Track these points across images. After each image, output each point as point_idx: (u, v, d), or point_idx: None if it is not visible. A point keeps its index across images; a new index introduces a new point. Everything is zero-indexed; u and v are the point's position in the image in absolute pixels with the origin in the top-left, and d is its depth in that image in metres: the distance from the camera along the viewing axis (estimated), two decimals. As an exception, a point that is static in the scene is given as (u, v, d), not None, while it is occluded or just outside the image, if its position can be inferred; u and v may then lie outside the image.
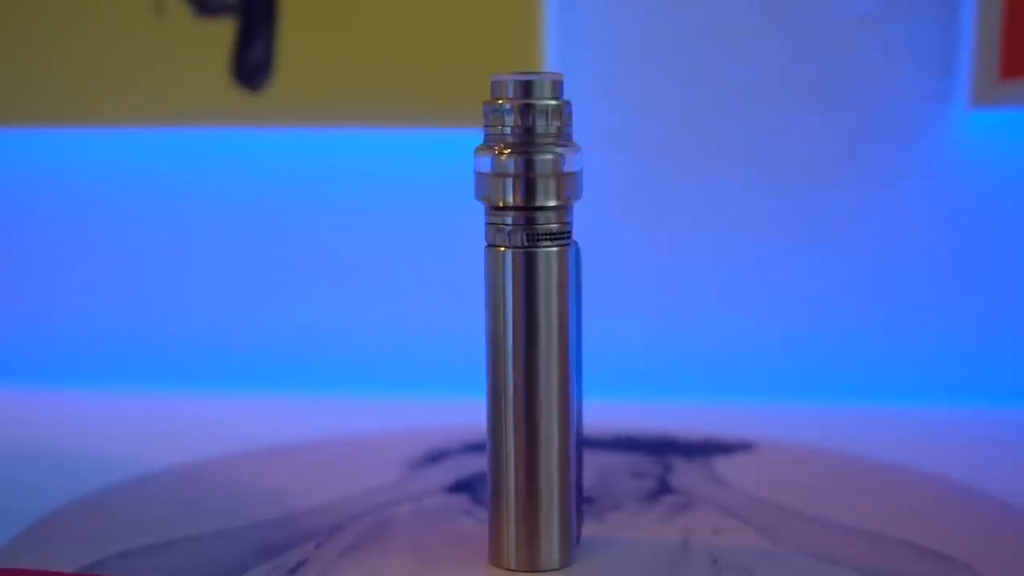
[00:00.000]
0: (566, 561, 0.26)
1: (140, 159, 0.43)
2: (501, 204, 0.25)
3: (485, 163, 0.25)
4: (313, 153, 0.43)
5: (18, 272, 0.45)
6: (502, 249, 0.25)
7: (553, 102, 0.25)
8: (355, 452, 0.34)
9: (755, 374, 0.42)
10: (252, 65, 0.41)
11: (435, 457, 0.34)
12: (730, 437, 0.36)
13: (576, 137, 0.41)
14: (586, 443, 0.35)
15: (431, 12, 0.40)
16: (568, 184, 0.26)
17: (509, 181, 0.25)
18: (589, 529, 0.28)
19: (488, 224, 0.26)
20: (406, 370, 0.43)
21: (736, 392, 0.42)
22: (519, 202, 0.25)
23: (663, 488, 0.31)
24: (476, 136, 0.41)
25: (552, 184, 0.25)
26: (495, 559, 0.26)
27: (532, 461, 0.26)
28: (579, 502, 0.27)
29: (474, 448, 0.35)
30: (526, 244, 0.25)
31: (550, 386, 0.26)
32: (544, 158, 0.25)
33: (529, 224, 0.25)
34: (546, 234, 0.26)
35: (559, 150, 0.25)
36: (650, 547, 0.27)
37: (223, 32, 0.41)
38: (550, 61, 0.41)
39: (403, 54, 0.40)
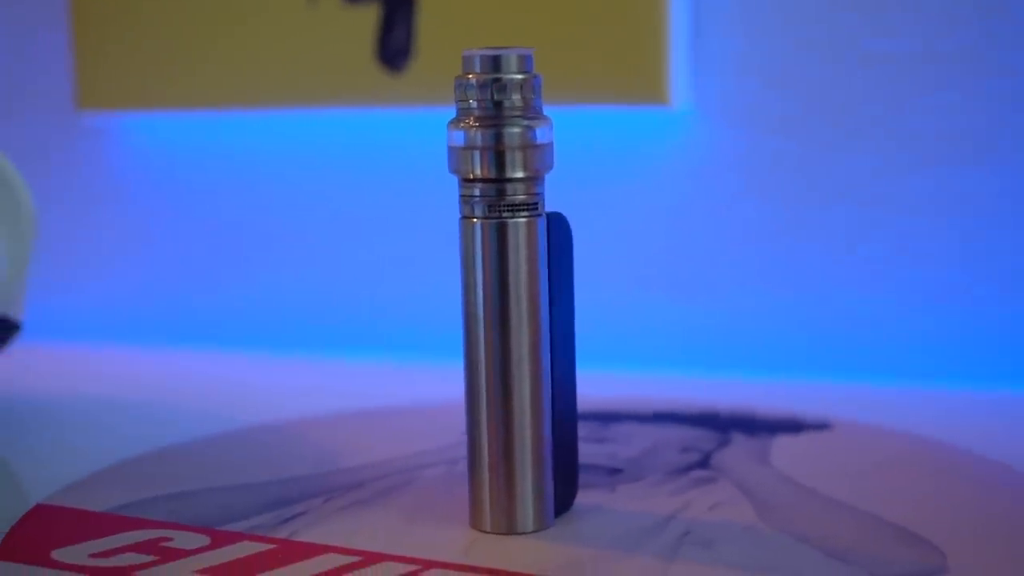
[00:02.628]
0: (540, 525, 0.27)
1: (292, 139, 0.46)
2: (471, 176, 0.26)
3: (455, 136, 0.26)
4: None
5: (171, 242, 0.48)
6: (473, 220, 0.26)
7: (519, 76, 0.26)
8: (423, 418, 0.35)
9: (886, 355, 0.41)
10: (394, 48, 0.43)
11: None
12: (812, 416, 0.35)
13: (709, 114, 0.41)
14: (666, 418, 0.35)
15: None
16: (536, 156, 0.26)
17: (478, 154, 0.26)
18: (592, 497, 0.29)
19: (460, 196, 0.26)
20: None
21: (860, 374, 0.41)
22: (487, 174, 0.26)
23: (701, 463, 0.31)
24: (602, 112, 0.41)
25: (520, 156, 0.26)
26: (473, 522, 0.27)
27: (506, 427, 0.26)
28: (569, 468, 0.27)
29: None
30: (495, 215, 0.26)
31: (521, 354, 0.26)
32: (512, 131, 0.26)
33: (499, 195, 0.26)
34: (515, 205, 0.26)
35: (526, 123, 0.26)
36: (634, 518, 0.27)
37: (368, 18, 0.43)
38: (682, 33, 0.41)
39: (533, 35, 0.41)
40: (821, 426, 0.34)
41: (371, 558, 0.25)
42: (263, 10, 0.44)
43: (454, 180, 0.44)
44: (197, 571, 0.25)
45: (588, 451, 0.32)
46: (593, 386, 0.39)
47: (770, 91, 0.41)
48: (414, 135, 0.44)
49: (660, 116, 0.42)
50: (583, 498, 0.28)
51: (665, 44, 0.40)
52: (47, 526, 0.28)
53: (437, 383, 0.37)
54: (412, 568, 0.25)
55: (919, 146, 0.40)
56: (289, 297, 0.47)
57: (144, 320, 0.48)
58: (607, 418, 0.35)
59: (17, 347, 0.45)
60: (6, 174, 0.34)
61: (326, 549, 0.26)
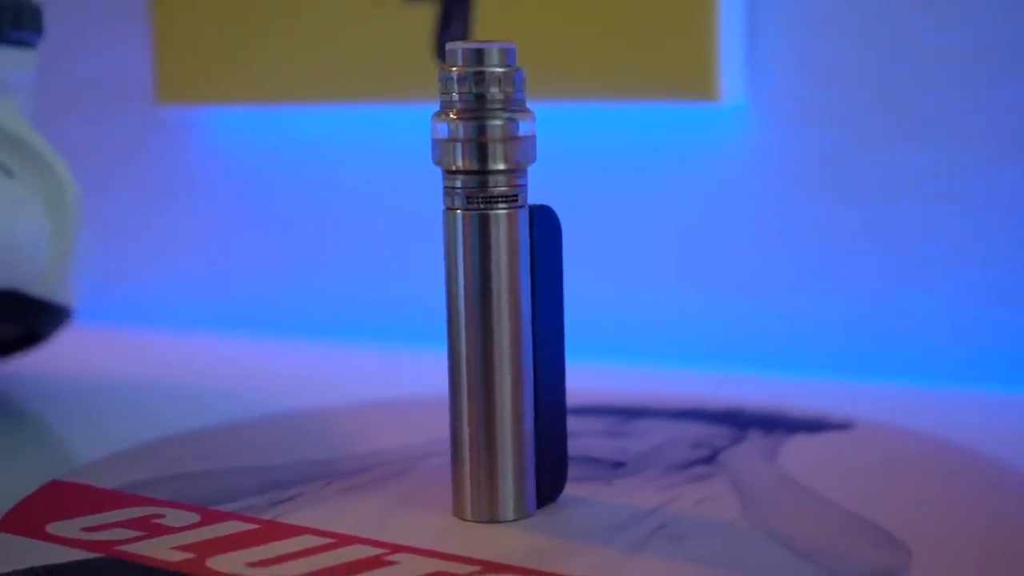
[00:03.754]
0: (521, 514, 0.27)
1: (359, 133, 0.47)
2: (453, 168, 0.26)
3: (438, 129, 0.27)
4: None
5: (245, 233, 0.49)
6: (455, 211, 0.27)
7: (501, 69, 0.26)
8: (444, 408, 0.36)
9: (934, 358, 0.40)
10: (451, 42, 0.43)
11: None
12: (837, 416, 0.34)
13: (765, 110, 0.41)
14: (689, 415, 0.35)
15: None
16: (518, 148, 0.26)
17: (459, 146, 0.26)
18: (583, 489, 0.29)
19: (444, 188, 0.27)
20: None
21: (907, 376, 0.40)
22: (468, 166, 0.26)
23: (706, 460, 0.31)
24: (650, 109, 0.41)
25: (500, 148, 0.26)
26: (455, 510, 0.27)
27: (487, 417, 0.27)
28: (555, 460, 0.27)
29: (578, 412, 0.35)
30: (475, 206, 0.26)
31: (502, 345, 0.27)
32: (493, 123, 0.26)
33: (480, 187, 0.26)
34: (496, 196, 0.26)
35: (508, 115, 0.26)
36: (616, 511, 0.27)
37: (427, 15, 0.44)
38: (735, 29, 0.40)
39: (585, 31, 0.41)
40: (844, 426, 0.33)
41: (343, 540, 0.26)
42: (332, 7, 0.45)
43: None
44: (175, 547, 0.26)
45: (599, 445, 0.32)
46: (626, 381, 0.40)
47: (826, 87, 0.41)
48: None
49: (710, 113, 0.42)
50: (574, 490, 0.28)
51: (715, 39, 0.40)
52: (52, 501, 0.29)
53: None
54: (379, 552, 0.25)
55: (979, 144, 0.39)
56: (357, 288, 0.48)
57: (215, 309, 0.50)
58: (632, 413, 0.35)
59: (90, 331, 0.47)
60: (50, 162, 0.35)
61: (304, 531, 0.26)
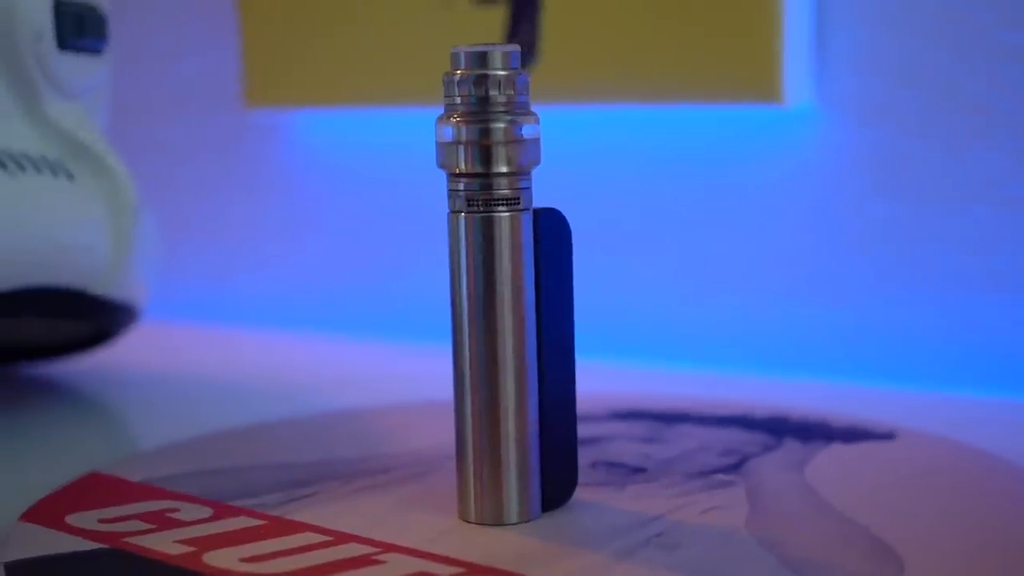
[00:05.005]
0: (524, 518, 0.27)
1: (420, 136, 0.47)
2: (457, 171, 0.27)
3: (441, 132, 0.27)
4: (574, 129, 0.45)
5: (334, 235, 0.50)
6: (458, 214, 0.27)
7: (503, 72, 0.26)
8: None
9: (1003, 367, 0.39)
10: (521, 45, 0.44)
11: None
12: (880, 425, 0.33)
13: (834, 110, 0.40)
14: (731, 421, 0.34)
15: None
16: (520, 151, 0.26)
17: (462, 148, 0.26)
18: (596, 494, 0.28)
19: (448, 191, 0.27)
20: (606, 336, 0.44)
21: (975, 386, 0.39)
22: (471, 169, 0.26)
23: (730, 468, 0.30)
24: (713, 111, 0.41)
25: (503, 151, 0.26)
26: (460, 512, 0.27)
27: (490, 420, 0.27)
28: (563, 464, 0.27)
29: (620, 416, 0.35)
30: (476, 209, 0.26)
31: (505, 349, 0.27)
32: (496, 126, 0.26)
33: (483, 190, 0.26)
34: (498, 200, 0.26)
35: (510, 118, 0.26)
36: (620, 516, 0.27)
37: (497, 17, 0.44)
38: (803, 29, 0.40)
39: (649, 32, 0.41)
40: (886, 436, 0.33)
41: (341, 539, 0.26)
42: (406, 10, 0.46)
43: (572, 176, 0.44)
44: (179, 540, 0.26)
45: (628, 449, 0.32)
46: (676, 386, 0.39)
47: (897, 87, 0.40)
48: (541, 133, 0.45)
49: (774, 115, 0.41)
50: (586, 494, 0.28)
51: (779, 39, 0.39)
52: (81, 492, 0.30)
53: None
54: (371, 551, 0.25)
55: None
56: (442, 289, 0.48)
57: (304, 307, 0.51)
58: (673, 419, 0.35)
59: (171, 329, 0.48)
60: (110, 165, 0.36)
61: (306, 528, 0.27)
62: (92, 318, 0.37)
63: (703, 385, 0.40)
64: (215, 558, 0.25)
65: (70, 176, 0.36)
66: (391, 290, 0.49)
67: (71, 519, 0.28)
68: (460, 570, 0.24)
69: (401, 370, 0.43)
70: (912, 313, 0.40)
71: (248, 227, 0.52)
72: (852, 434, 0.33)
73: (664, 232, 0.44)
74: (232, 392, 0.40)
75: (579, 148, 0.45)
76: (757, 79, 0.40)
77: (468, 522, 0.27)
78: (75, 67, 0.36)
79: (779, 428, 0.34)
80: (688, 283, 0.43)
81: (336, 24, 0.47)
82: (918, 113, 0.40)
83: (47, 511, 0.28)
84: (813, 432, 0.33)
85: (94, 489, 0.30)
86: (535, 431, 0.27)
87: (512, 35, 0.44)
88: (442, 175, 0.26)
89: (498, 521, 0.27)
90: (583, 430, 0.34)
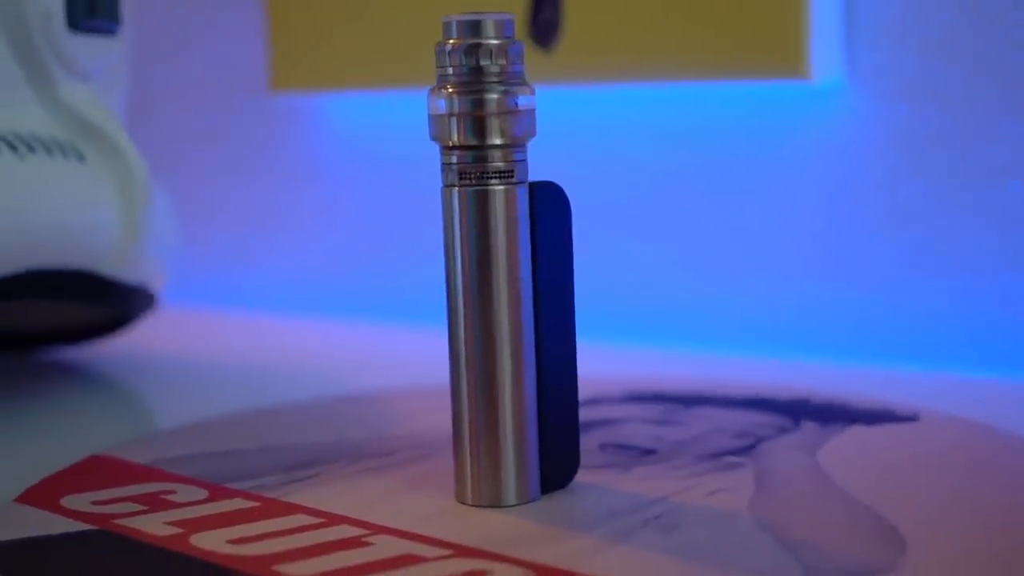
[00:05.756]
0: (523, 499, 0.26)
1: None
2: (450, 143, 0.26)
3: (433, 103, 0.26)
4: (598, 108, 0.44)
5: (361, 219, 0.50)
6: (452, 188, 0.26)
7: (496, 41, 0.26)
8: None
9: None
10: (544, 25, 0.43)
11: (590, 402, 0.34)
12: (905, 407, 0.32)
13: (864, 85, 0.39)
14: (752, 403, 0.33)
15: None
16: (514, 122, 0.26)
17: (455, 120, 0.26)
18: (599, 476, 0.28)
19: (441, 164, 0.26)
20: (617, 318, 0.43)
21: (1006, 368, 0.38)
22: (463, 141, 0.26)
23: (742, 450, 0.29)
24: (737, 88, 0.40)
25: (496, 123, 0.26)
26: (458, 494, 0.27)
27: (487, 399, 0.26)
28: (564, 444, 0.27)
29: (638, 398, 0.34)
30: (469, 182, 0.26)
31: (501, 325, 0.26)
32: (489, 97, 0.26)
33: (475, 162, 0.26)
34: (492, 172, 0.26)
35: (504, 88, 0.25)
36: (622, 498, 0.26)
37: (521, -3, 0.43)
38: (833, 3, 0.39)
39: (677, 5, 0.40)
40: (908, 418, 0.32)
41: (333, 520, 0.26)
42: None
43: (596, 154, 0.44)
44: (169, 522, 0.26)
45: (640, 431, 0.31)
46: (700, 368, 0.38)
47: (930, 61, 0.39)
48: (566, 112, 0.44)
49: (800, 91, 0.40)
50: (590, 476, 0.28)
51: (805, 12, 0.38)
52: (80, 474, 0.29)
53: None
54: (361, 533, 0.25)
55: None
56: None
57: (331, 293, 0.50)
58: (692, 401, 0.34)
59: (196, 314, 0.48)
60: (122, 147, 0.36)
61: (299, 510, 0.26)
62: (104, 301, 0.37)
63: (729, 367, 0.39)
64: (202, 540, 0.25)
65: (81, 157, 0.35)
66: (419, 274, 0.49)
67: (65, 501, 0.27)
68: (448, 552, 0.24)
69: (425, 352, 0.42)
70: (944, 293, 0.39)
71: (275, 211, 0.51)
72: (874, 416, 0.32)
73: (690, 212, 0.43)
74: (250, 376, 0.40)
75: (603, 127, 0.44)
76: (782, 54, 0.39)
77: (465, 504, 0.26)
78: (87, 48, 0.36)
79: (799, 410, 0.33)
80: (715, 264, 0.42)
81: (362, 7, 0.47)
82: (951, 88, 0.38)
83: (42, 493, 0.28)
84: (834, 414, 0.32)
85: (94, 471, 0.29)
86: (533, 411, 0.26)
87: (536, 14, 0.43)
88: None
89: (496, 503, 0.26)
90: (598, 412, 0.33)
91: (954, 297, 0.39)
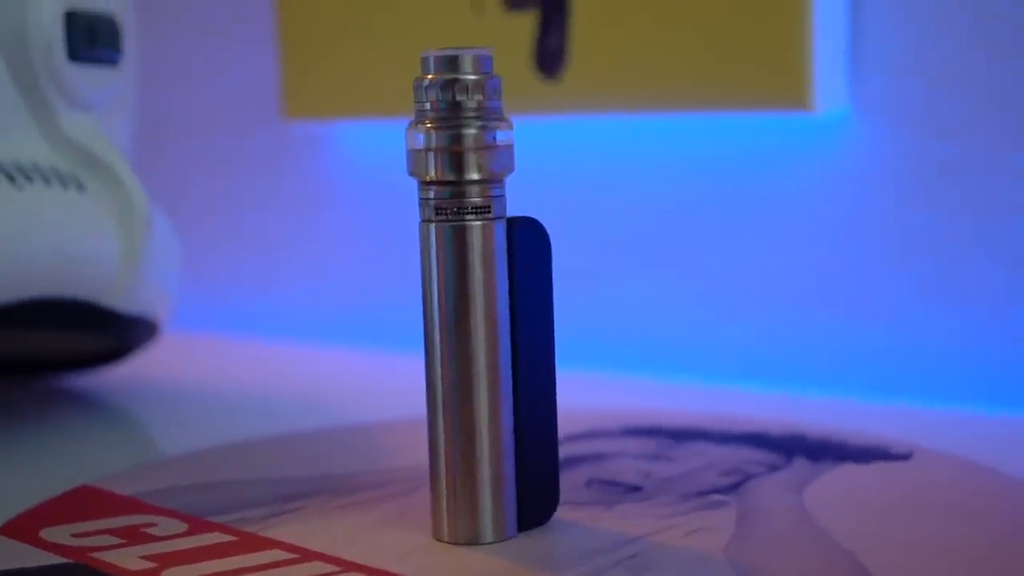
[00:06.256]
0: (499, 537, 0.26)
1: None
2: (427, 179, 0.26)
3: (411, 138, 0.26)
4: (602, 138, 0.44)
5: (375, 246, 0.50)
6: (429, 223, 0.26)
7: (473, 77, 0.25)
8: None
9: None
10: (549, 53, 0.43)
11: (587, 436, 0.34)
12: (900, 445, 0.32)
13: (869, 116, 0.38)
14: (745, 439, 0.33)
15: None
16: (492, 158, 0.26)
17: (432, 155, 0.26)
18: (580, 513, 0.27)
19: (419, 199, 0.26)
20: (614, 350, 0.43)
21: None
22: (440, 176, 0.26)
23: (728, 488, 0.29)
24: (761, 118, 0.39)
25: (473, 158, 0.25)
26: (434, 531, 0.27)
27: (464, 436, 0.26)
28: (542, 482, 0.26)
29: (633, 433, 0.34)
30: (445, 218, 0.26)
31: (478, 362, 0.26)
32: (467, 132, 0.25)
33: (452, 198, 0.26)
34: (469, 208, 0.26)
35: (481, 123, 0.25)
36: (599, 537, 0.26)
37: (527, 25, 0.43)
38: (835, 33, 0.38)
39: (682, 36, 0.40)
40: (901, 456, 0.31)
41: (306, 557, 0.25)
42: (441, 20, 0.45)
43: (598, 185, 0.43)
44: (144, 556, 0.26)
45: (628, 467, 0.31)
46: (700, 402, 0.38)
47: (936, 91, 0.38)
48: (570, 141, 0.44)
49: (803, 123, 0.40)
50: (570, 514, 0.27)
51: (808, 43, 0.38)
52: (64, 505, 0.29)
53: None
54: (333, 570, 0.25)
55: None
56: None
57: (344, 321, 0.50)
58: (685, 436, 0.34)
59: (208, 341, 0.48)
60: (122, 177, 0.36)
61: (275, 545, 0.26)
62: (104, 330, 0.37)
63: (730, 400, 0.39)
64: (174, 574, 0.25)
65: (80, 187, 0.36)
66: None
67: (45, 533, 0.27)
68: (416, 591, 0.24)
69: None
70: (950, 327, 0.38)
71: (288, 239, 0.51)
72: (867, 454, 0.31)
73: (693, 244, 0.42)
74: (254, 404, 0.40)
75: (607, 156, 0.44)
76: (786, 85, 0.38)
77: (442, 541, 0.26)
78: (87, 78, 0.36)
79: (793, 447, 0.32)
80: (718, 296, 0.42)
81: (374, 35, 0.47)
82: (955, 119, 0.38)
83: (23, 525, 0.28)
84: (826, 451, 0.32)
85: (77, 502, 0.30)
86: (510, 447, 0.26)
87: (542, 42, 0.43)
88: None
89: (472, 540, 0.26)
90: (592, 446, 0.33)
91: (961, 331, 0.38)
